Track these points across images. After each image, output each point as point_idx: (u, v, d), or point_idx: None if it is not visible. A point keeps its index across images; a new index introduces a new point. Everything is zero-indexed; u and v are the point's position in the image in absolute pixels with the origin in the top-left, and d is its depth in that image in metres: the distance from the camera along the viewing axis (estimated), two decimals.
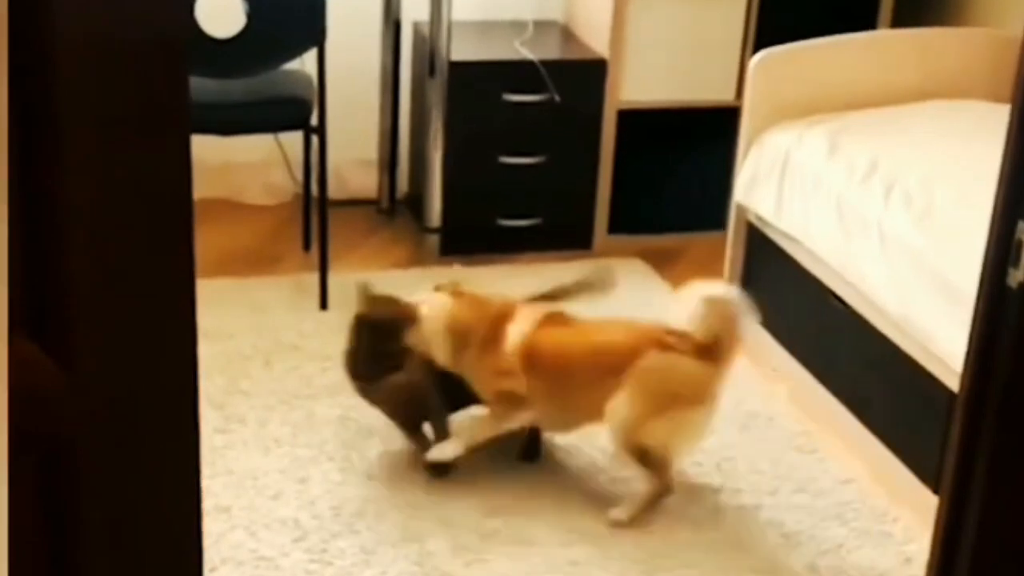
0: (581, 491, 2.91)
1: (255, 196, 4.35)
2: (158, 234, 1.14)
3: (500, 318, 2.86)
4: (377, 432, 3.04)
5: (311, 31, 3.41)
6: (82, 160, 1.07)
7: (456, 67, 3.87)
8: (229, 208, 4.30)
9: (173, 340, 1.18)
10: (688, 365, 2.78)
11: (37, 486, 1.12)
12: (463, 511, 2.80)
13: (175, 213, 1.13)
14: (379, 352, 2.82)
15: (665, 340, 2.79)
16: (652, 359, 2.76)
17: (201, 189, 4.37)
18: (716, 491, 2.96)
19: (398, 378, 2.84)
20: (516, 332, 2.83)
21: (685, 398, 2.79)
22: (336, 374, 3.28)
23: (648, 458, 2.79)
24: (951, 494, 1.65)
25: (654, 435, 2.77)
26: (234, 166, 4.29)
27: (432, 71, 3.87)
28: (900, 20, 4.13)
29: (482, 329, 2.84)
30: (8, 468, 1.08)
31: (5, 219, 0.96)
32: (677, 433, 2.80)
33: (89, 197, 1.09)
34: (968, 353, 1.60)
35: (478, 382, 2.87)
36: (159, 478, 1.22)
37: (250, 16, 3.34)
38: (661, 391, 2.77)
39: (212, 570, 2.54)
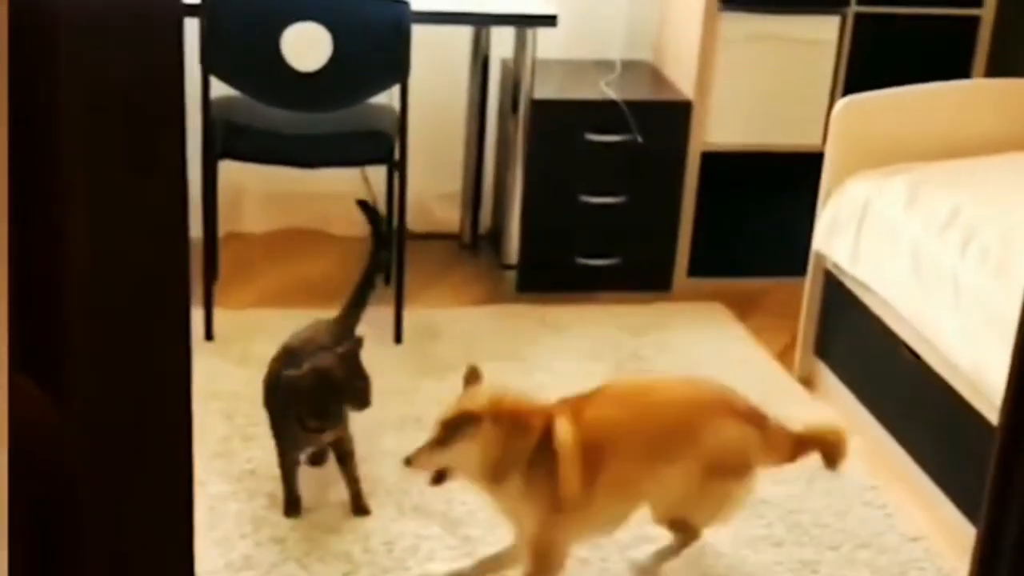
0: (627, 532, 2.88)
1: (341, 227, 4.40)
2: (154, 270, 1.15)
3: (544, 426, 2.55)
4: None
5: (395, 67, 3.45)
6: (79, 200, 1.09)
7: (538, 105, 3.89)
8: (315, 238, 4.35)
9: (168, 376, 1.19)
10: (750, 437, 2.66)
11: (33, 518, 1.15)
12: None
13: (170, 249, 1.15)
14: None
15: (736, 408, 2.67)
16: (723, 432, 2.64)
17: (288, 219, 4.47)
18: (778, 544, 2.92)
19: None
20: (564, 432, 2.55)
21: (735, 471, 2.67)
22: (402, 408, 3.31)
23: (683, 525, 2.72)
24: (986, 531, 1.61)
25: (698, 509, 2.69)
26: (321, 197, 4.35)
27: (515, 108, 3.89)
28: (995, 69, 4.06)
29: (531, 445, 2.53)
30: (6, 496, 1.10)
31: (5, 220, 0.98)
32: (720, 506, 2.69)
33: (86, 238, 1.11)
34: (1008, 387, 1.56)
35: (518, 516, 2.59)
36: (153, 513, 1.23)
37: (335, 51, 3.39)
38: (719, 464, 2.64)
39: None
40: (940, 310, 3.00)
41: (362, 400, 2.78)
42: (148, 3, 1.07)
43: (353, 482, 2.88)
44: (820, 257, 3.57)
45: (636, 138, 3.93)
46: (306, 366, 2.75)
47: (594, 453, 2.54)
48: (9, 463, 1.10)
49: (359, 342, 2.80)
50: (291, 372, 2.78)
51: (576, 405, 2.60)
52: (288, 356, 2.84)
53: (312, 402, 2.75)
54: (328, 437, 2.85)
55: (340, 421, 2.83)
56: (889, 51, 4.04)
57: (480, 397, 2.53)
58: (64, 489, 1.17)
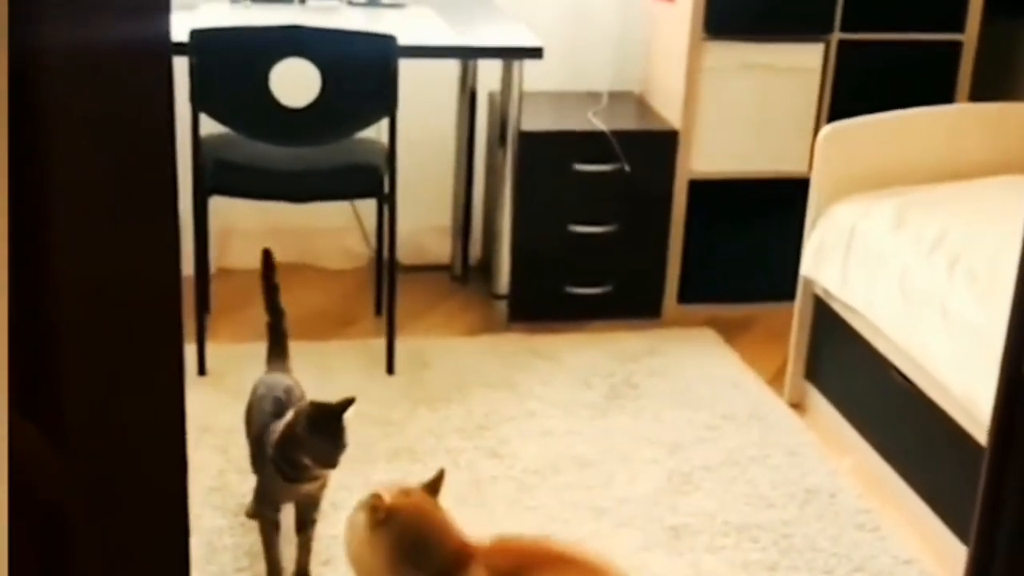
0: None
1: (333, 261, 4.42)
2: (148, 313, 1.17)
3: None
4: None
5: (383, 102, 3.47)
6: (74, 242, 1.11)
7: (526, 137, 3.91)
8: (307, 272, 4.37)
9: (163, 417, 1.21)
10: None
11: (36, 554, 1.16)
12: None
13: (164, 291, 1.16)
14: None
15: None
16: None
17: (279, 254, 4.44)
18: (772, 568, 2.92)
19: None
20: None
21: None
22: (397, 440, 3.32)
23: None
24: (976, 552, 1.62)
25: None
26: (313, 231, 4.37)
27: (503, 140, 3.92)
28: (978, 93, 4.10)
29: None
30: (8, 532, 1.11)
31: (5, 231, 0.99)
32: None
33: (82, 280, 1.12)
34: (995, 409, 1.58)
35: None
36: (150, 549, 1.24)
37: (323, 87, 3.41)
38: None
39: None
40: (928, 333, 3.02)
41: (330, 461, 2.64)
42: (137, 40, 1.09)
43: (306, 552, 2.77)
44: (809, 282, 3.59)
45: (624, 168, 3.96)
46: (291, 411, 2.68)
47: None
48: (8, 502, 1.11)
49: (350, 402, 2.64)
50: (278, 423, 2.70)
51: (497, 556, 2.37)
52: (277, 406, 2.75)
53: (288, 448, 2.64)
54: (306, 488, 2.72)
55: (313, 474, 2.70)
56: (873, 77, 4.07)
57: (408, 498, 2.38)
58: (60, 525, 1.18)
